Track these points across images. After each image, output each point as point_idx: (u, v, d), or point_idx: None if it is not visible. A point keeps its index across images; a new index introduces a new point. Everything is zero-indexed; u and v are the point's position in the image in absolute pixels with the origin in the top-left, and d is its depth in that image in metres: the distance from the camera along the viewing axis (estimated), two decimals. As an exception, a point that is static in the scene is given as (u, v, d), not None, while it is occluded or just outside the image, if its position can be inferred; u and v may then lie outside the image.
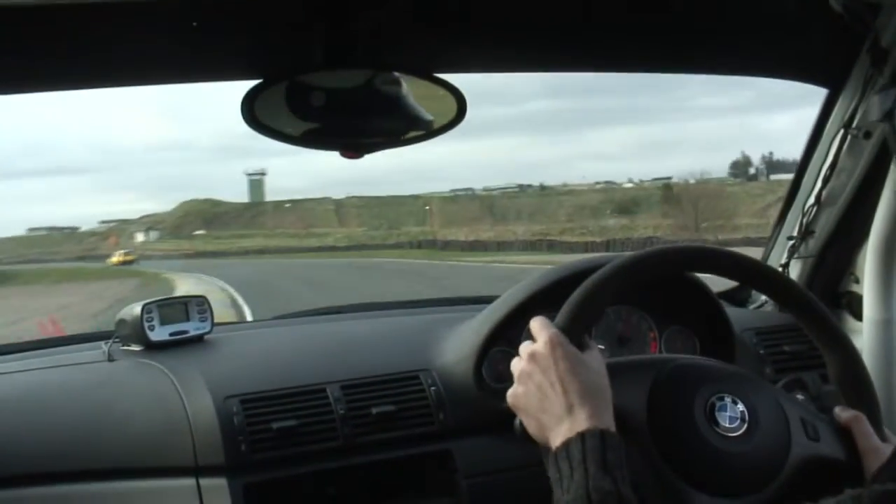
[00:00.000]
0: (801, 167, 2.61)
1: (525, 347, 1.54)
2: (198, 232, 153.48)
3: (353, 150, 1.86)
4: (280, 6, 1.67)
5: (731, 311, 2.44)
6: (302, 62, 1.77)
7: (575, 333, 1.51)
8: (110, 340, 2.47)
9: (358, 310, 3.02)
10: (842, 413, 1.60)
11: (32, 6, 1.45)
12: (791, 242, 2.66)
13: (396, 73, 1.82)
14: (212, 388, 2.11)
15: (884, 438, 1.58)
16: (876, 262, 2.36)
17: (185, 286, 36.34)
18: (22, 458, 2.02)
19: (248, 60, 1.88)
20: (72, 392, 2.22)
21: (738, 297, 2.89)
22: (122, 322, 2.44)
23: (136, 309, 2.40)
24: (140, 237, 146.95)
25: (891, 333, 2.37)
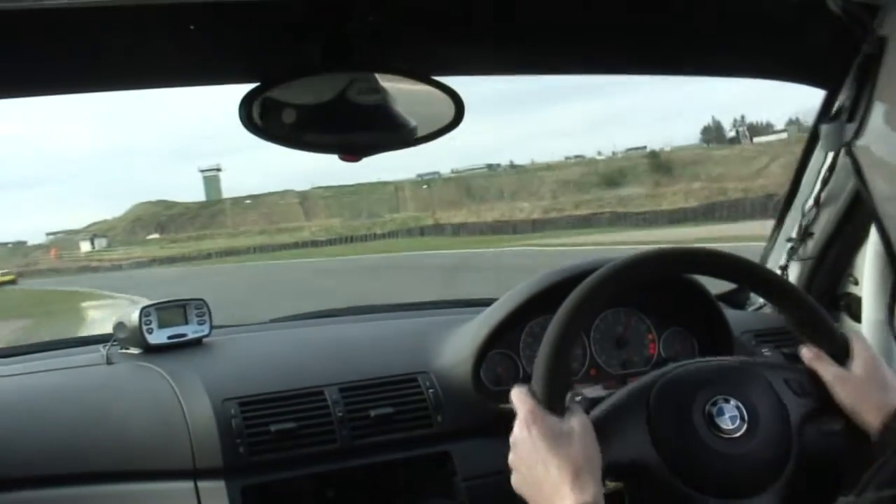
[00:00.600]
0: (800, 168, 2.60)
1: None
2: (151, 236, 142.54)
3: (352, 152, 1.86)
4: (277, 9, 1.67)
5: (730, 313, 2.44)
6: (299, 65, 1.77)
7: (553, 398, 1.48)
8: (109, 344, 2.46)
9: (356, 312, 3.01)
10: (806, 354, 1.64)
11: (27, 10, 1.45)
12: (790, 244, 2.66)
13: (376, 79, 1.82)
14: (210, 391, 2.11)
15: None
16: (875, 264, 2.36)
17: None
18: (20, 461, 2.02)
19: (245, 64, 1.87)
20: (70, 395, 2.22)
21: (736, 299, 2.88)
22: (120, 325, 2.44)
23: (135, 312, 2.40)
24: (85, 246, 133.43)
25: (889, 335, 2.37)
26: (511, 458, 1.49)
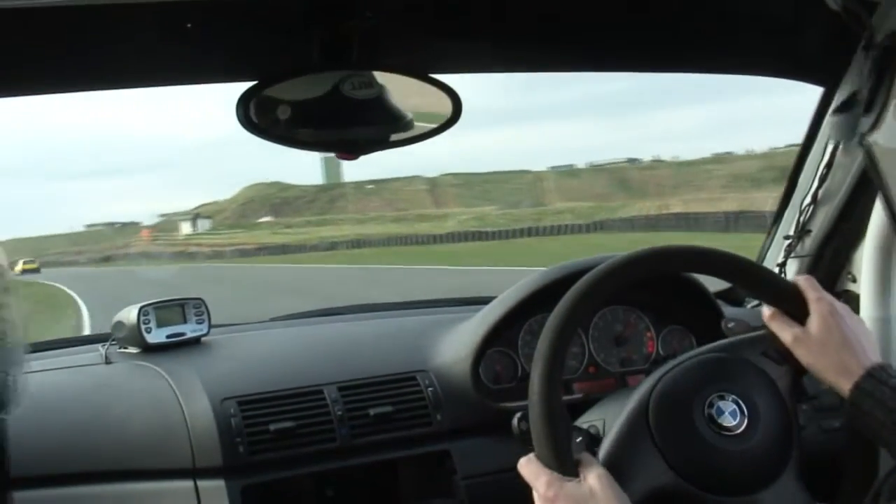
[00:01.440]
0: (798, 165, 2.60)
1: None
2: (263, 219, 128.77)
3: (349, 150, 1.86)
4: (275, 7, 1.67)
5: (728, 311, 2.44)
6: (297, 63, 1.76)
7: (564, 461, 1.44)
8: (107, 343, 2.47)
9: (355, 311, 3.01)
10: (765, 314, 1.62)
11: (23, 8, 1.45)
12: (788, 241, 2.66)
13: (371, 74, 1.81)
14: (209, 390, 2.11)
15: None
16: (873, 261, 2.36)
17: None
18: (19, 461, 2.01)
19: (243, 62, 1.87)
20: (69, 395, 2.22)
21: (734, 297, 2.88)
22: (119, 324, 2.44)
23: (133, 311, 2.40)
24: (186, 228, 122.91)
25: (888, 332, 2.37)
26: None
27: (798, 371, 1.58)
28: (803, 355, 1.55)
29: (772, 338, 1.61)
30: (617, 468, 1.45)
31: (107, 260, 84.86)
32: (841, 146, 2.39)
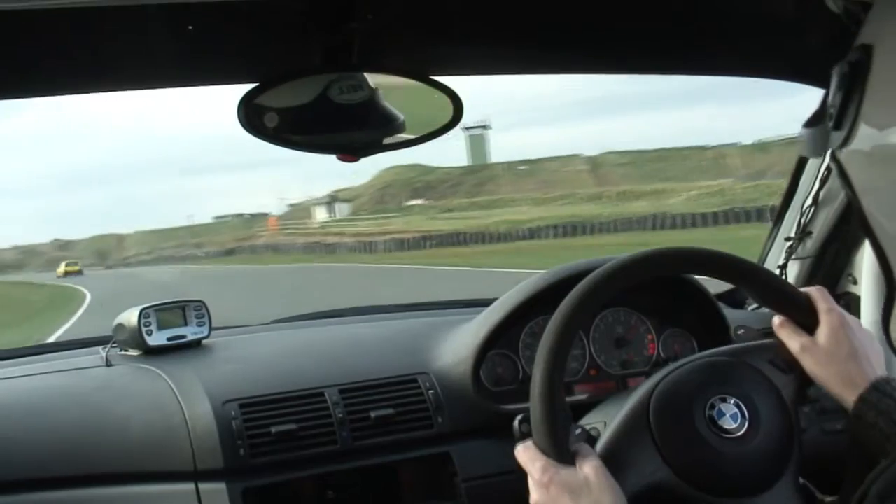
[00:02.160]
0: (798, 167, 2.60)
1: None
2: (412, 202, 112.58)
3: (351, 153, 1.86)
4: (276, 10, 1.67)
5: (729, 313, 2.45)
6: (299, 65, 1.76)
7: (560, 449, 1.45)
8: (108, 345, 2.47)
9: (356, 313, 3.01)
10: (776, 324, 1.63)
11: (25, 10, 1.45)
12: (789, 243, 2.66)
13: (362, 76, 1.81)
14: (210, 393, 2.11)
15: None
16: (874, 264, 2.36)
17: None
18: (20, 463, 2.02)
19: (244, 64, 1.87)
20: (70, 397, 2.22)
21: (735, 298, 2.88)
22: (119, 327, 2.45)
23: (134, 314, 2.40)
24: (320, 214, 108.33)
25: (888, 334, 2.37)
26: None
27: (804, 381, 1.59)
28: (810, 365, 1.55)
29: (779, 347, 1.62)
30: (613, 461, 1.47)
31: (230, 254, 79.54)
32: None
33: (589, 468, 1.42)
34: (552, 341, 1.49)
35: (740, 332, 2.41)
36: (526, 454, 1.47)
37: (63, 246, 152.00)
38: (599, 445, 1.52)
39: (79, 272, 66.20)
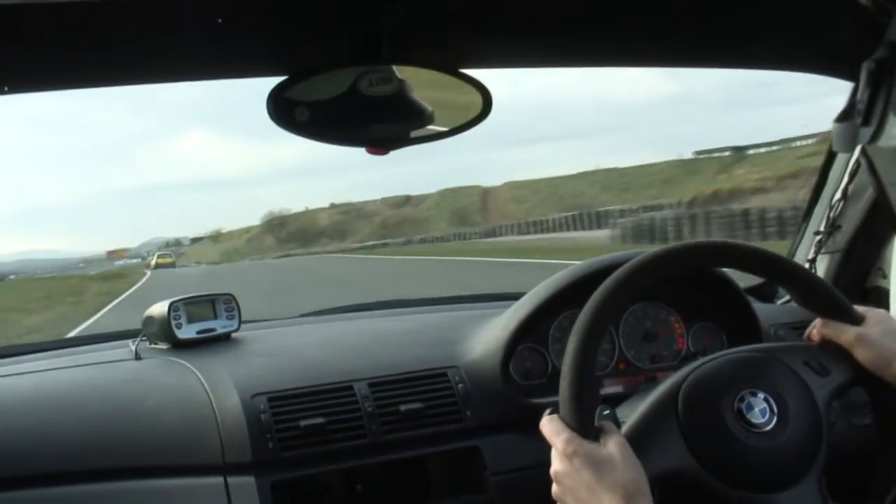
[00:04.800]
0: (827, 160, 2.59)
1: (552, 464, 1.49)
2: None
3: (380, 145, 1.86)
4: (306, 2, 1.67)
5: (759, 307, 2.44)
6: (328, 59, 1.77)
7: (586, 424, 1.46)
8: (137, 339, 2.49)
9: (384, 307, 3.02)
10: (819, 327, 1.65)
11: (55, 3, 1.46)
12: (818, 237, 2.64)
13: (389, 70, 1.81)
14: (239, 386, 2.12)
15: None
16: (904, 257, 2.35)
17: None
18: (51, 456, 2.03)
19: (273, 57, 1.88)
20: (100, 390, 2.23)
21: (765, 293, 2.87)
22: (149, 320, 2.46)
23: (164, 307, 2.41)
24: None
25: None
26: (556, 491, 1.47)
27: (847, 382, 1.60)
28: (864, 353, 1.57)
29: (819, 348, 1.63)
30: (638, 442, 1.46)
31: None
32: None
33: (614, 445, 1.42)
34: (588, 319, 1.50)
35: (780, 332, 2.41)
36: (550, 426, 1.48)
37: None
38: (625, 427, 1.52)
39: (171, 264, 66.56)
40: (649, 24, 2.02)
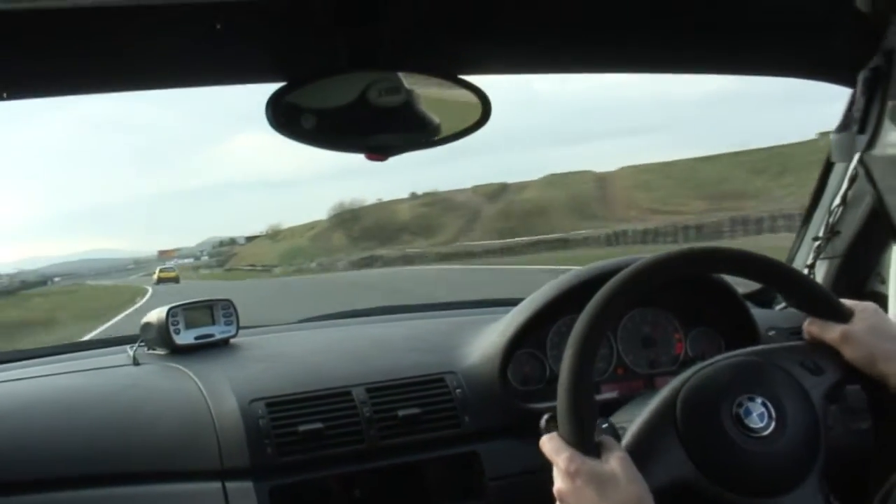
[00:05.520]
0: (827, 166, 2.59)
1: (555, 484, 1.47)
2: None
3: (379, 152, 1.86)
4: (304, 9, 1.67)
5: (757, 312, 2.43)
6: (326, 65, 1.77)
7: (587, 442, 1.45)
8: (135, 344, 2.48)
9: (382, 313, 3.02)
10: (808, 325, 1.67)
11: (53, 9, 1.46)
12: (817, 243, 2.64)
13: (398, 78, 1.81)
14: (237, 392, 2.12)
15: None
16: (903, 262, 2.35)
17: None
18: (49, 461, 2.02)
19: (271, 63, 1.88)
20: (98, 396, 2.22)
21: (763, 298, 2.87)
22: (147, 326, 2.46)
23: (162, 313, 2.41)
24: None
25: None
26: None
27: (840, 380, 1.60)
28: (851, 351, 1.59)
29: (811, 347, 1.64)
30: (638, 454, 1.46)
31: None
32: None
33: (615, 461, 1.42)
34: (583, 331, 1.49)
35: (771, 333, 2.41)
36: (551, 444, 1.47)
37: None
38: (625, 439, 1.52)
39: (174, 279, 61.93)
40: (648, 30, 2.02)
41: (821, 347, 1.63)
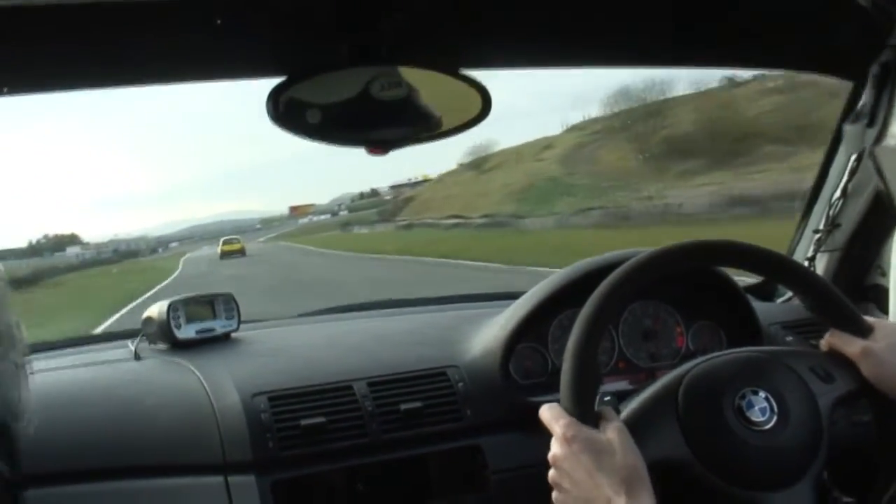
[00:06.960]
0: (827, 158, 2.59)
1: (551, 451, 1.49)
2: None
3: (379, 146, 1.86)
4: (305, 2, 1.67)
5: (758, 305, 2.44)
6: (327, 60, 1.76)
7: (586, 411, 1.47)
8: (137, 339, 2.48)
9: (384, 306, 3.03)
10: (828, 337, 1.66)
11: (54, 6, 1.46)
12: (817, 235, 2.64)
13: (398, 73, 1.81)
14: (239, 386, 2.12)
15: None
16: (903, 255, 2.34)
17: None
18: (50, 456, 2.02)
19: (272, 58, 1.87)
20: (99, 390, 2.22)
21: (764, 291, 2.88)
22: (148, 320, 2.46)
23: (163, 307, 2.41)
24: None
25: None
26: (552, 475, 1.48)
27: (854, 392, 1.60)
28: (870, 367, 1.58)
29: (824, 356, 1.64)
30: (635, 430, 1.47)
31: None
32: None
33: (613, 431, 1.43)
34: (592, 310, 1.52)
35: (788, 338, 2.41)
36: (550, 412, 1.49)
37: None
38: (624, 413, 1.54)
39: (240, 251, 51.20)
40: (653, 25, 2.02)
41: (835, 357, 1.63)
